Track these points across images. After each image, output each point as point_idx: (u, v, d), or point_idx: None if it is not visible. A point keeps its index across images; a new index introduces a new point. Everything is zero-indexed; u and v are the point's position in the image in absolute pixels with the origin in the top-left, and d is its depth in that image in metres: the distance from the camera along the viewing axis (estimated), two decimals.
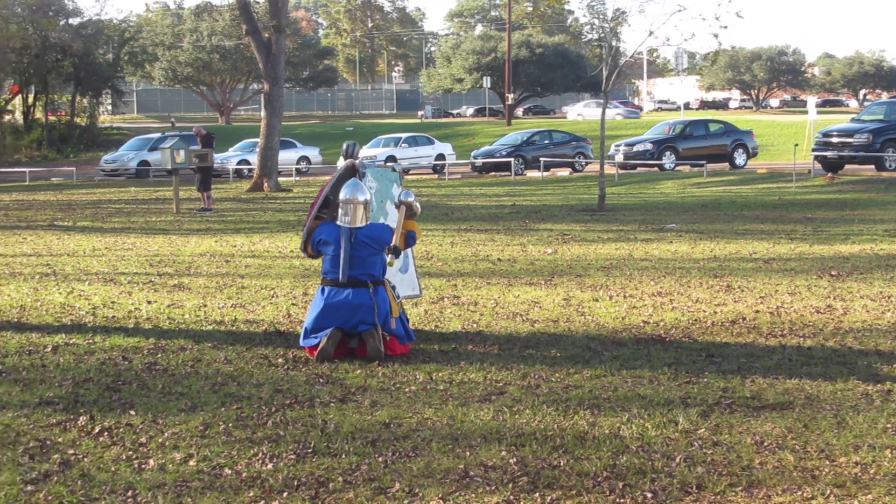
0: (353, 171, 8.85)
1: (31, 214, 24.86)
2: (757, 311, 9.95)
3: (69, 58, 61.55)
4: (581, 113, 79.52)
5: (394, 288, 8.59)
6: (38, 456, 5.76)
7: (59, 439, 6.06)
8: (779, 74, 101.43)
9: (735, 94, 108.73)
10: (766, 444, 5.84)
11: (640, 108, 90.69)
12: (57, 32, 59.97)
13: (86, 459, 5.70)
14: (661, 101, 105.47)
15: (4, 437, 6.09)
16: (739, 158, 36.84)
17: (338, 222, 8.39)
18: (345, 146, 9.26)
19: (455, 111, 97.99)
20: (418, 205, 8.86)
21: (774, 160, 42.23)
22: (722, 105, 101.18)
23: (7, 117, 65.63)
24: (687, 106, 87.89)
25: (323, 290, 8.30)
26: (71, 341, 8.86)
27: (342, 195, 8.42)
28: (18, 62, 58.83)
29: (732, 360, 7.92)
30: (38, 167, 48.79)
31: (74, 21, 65.84)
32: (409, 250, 9.55)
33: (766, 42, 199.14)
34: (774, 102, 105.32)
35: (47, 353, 8.39)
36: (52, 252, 16.21)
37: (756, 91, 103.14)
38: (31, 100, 66.92)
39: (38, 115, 67.00)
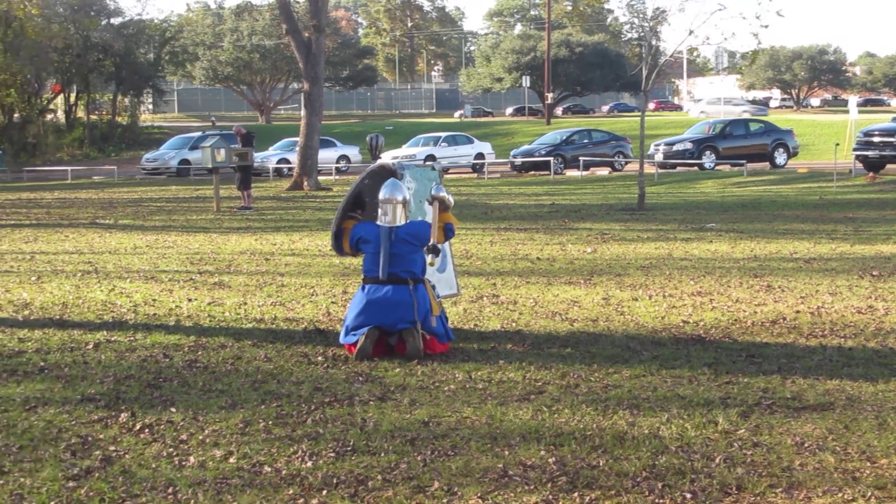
0: (389, 172, 8.87)
1: (73, 212, 25.11)
2: (797, 312, 9.87)
3: (110, 57, 62.18)
4: (704, 110, 78.46)
5: (434, 287, 8.60)
6: (80, 452, 5.82)
7: (101, 436, 6.11)
8: (820, 73, 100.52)
9: (776, 94, 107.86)
10: (806, 445, 5.80)
11: (767, 105, 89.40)
12: (98, 32, 60.62)
13: (127, 456, 5.75)
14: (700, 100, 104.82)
15: (47, 434, 6.16)
16: (780, 158, 36.55)
17: (378, 222, 8.42)
18: (369, 139, 9.33)
19: (481, 108, 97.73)
20: (451, 197, 8.81)
21: (815, 160, 41.87)
22: (762, 104, 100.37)
23: (49, 116, 66.38)
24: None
25: (363, 287, 8.34)
26: (112, 338, 8.94)
27: (382, 195, 8.44)
28: (60, 62, 59.49)
29: (773, 360, 7.86)
30: (79, 166, 49.27)
31: (116, 21, 66.55)
32: (447, 249, 9.56)
33: (806, 41, 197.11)
34: (815, 102, 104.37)
35: (89, 350, 8.47)
36: (94, 250, 16.36)
37: (797, 90, 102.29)
38: (72, 99, 67.64)
39: (80, 114, 67.75)
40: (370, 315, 8.15)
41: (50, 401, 6.87)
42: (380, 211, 8.44)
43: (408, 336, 8.03)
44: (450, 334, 8.50)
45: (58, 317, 10.09)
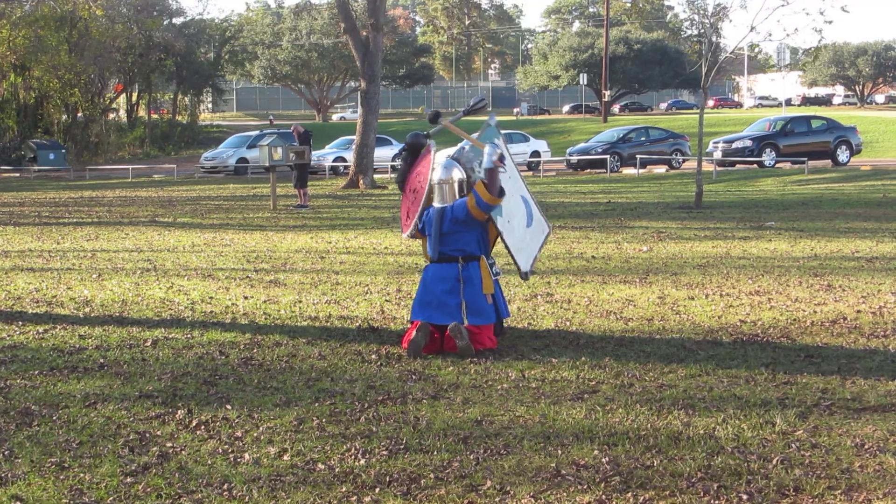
0: (419, 145, 8.89)
1: (133, 211, 25.43)
2: (858, 311, 9.73)
3: (172, 57, 62.95)
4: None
5: (492, 265, 8.55)
6: (138, 448, 5.88)
7: (158, 432, 6.18)
8: (885, 70, 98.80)
9: (839, 90, 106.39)
10: (866, 446, 5.71)
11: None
12: (160, 32, 61.39)
13: (183, 452, 5.81)
14: (761, 98, 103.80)
15: (105, 430, 6.24)
16: (842, 155, 36.03)
17: (434, 204, 8.50)
18: (477, 98, 9.31)
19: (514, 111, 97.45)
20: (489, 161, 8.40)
21: (879, 157, 41.28)
22: (825, 101, 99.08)
23: (111, 115, 67.34)
24: (788, 102, 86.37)
25: (426, 268, 8.58)
26: (170, 336, 9.03)
27: (437, 177, 8.47)
28: (123, 61, 60.35)
29: (832, 360, 7.75)
30: (140, 164, 49.92)
31: (178, 21, 67.36)
32: (528, 197, 9.26)
33: (871, 37, 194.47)
34: (880, 98, 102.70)
35: (147, 347, 8.57)
36: (153, 248, 16.54)
37: (861, 87, 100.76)
38: (134, 98, 68.55)
39: (142, 113, 68.66)
40: (425, 293, 8.34)
41: (109, 397, 6.96)
42: (437, 191, 8.50)
43: (455, 335, 8.03)
44: (502, 311, 8.52)
45: (117, 314, 10.22)
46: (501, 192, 8.40)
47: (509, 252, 8.92)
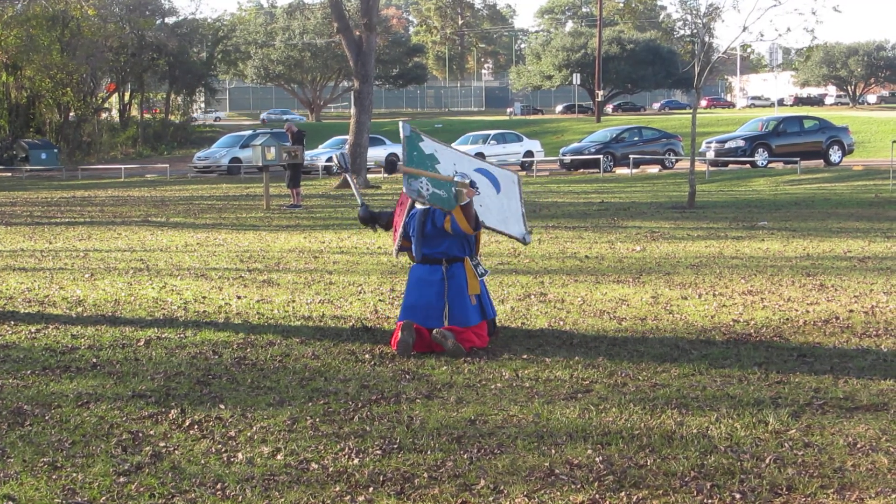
0: None
1: (125, 210, 25.38)
2: (851, 311, 9.74)
3: (164, 56, 62.89)
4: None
5: (476, 266, 8.56)
6: (131, 448, 5.87)
7: (151, 432, 6.17)
8: (877, 70, 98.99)
9: (831, 91, 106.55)
10: (859, 445, 5.72)
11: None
12: (153, 31, 61.35)
13: (176, 452, 5.80)
14: (754, 98, 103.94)
15: (98, 429, 6.22)
16: (835, 155, 36.06)
17: (417, 205, 8.54)
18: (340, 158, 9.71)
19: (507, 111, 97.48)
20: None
21: (871, 157, 41.34)
22: (817, 101, 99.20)
23: (104, 115, 67.24)
24: (781, 102, 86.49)
25: (412, 269, 8.64)
26: (163, 335, 9.01)
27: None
28: (115, 61, 60.26)
29: (825, 360, 7.76)
30: (133, 164, 49.84)
31: (170, 20, 67.33)
32: (480, 166, 9.42)
33: (863, 37, 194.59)
34: (872, 98, 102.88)
35: (140, 347, 8.55)
36: (146, 247, 16.51)
37: (853, 87, 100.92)
38: (126, 98, 68.46)
39: (134, 112, 68.56)
40: (411, 294, 8.43)
41: (102, 397, 6.94)
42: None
43: (439, 342, 8.03)
44: (488, 312, 8.53)
45: (110, 314, 10.20)
46: (478, 224, 8.52)
47: (499, 231, 9.04)
